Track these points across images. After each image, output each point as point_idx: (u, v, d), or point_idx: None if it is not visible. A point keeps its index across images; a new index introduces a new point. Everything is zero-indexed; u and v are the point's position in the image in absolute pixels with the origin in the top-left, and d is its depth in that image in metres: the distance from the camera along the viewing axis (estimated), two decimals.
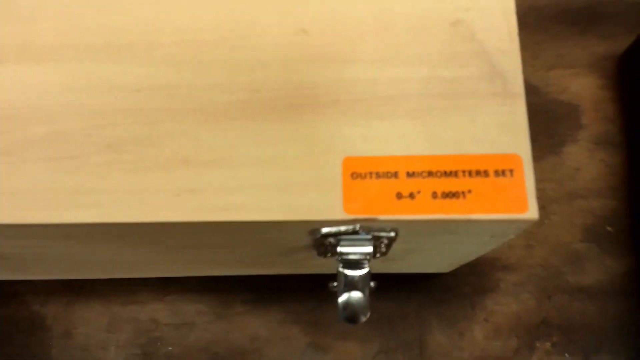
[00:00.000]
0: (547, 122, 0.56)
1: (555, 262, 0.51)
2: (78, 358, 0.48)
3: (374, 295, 0.33)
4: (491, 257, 0.51)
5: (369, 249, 0.31)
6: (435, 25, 0.32)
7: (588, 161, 0.55)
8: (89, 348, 0.49)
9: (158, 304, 0.50)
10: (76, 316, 0.49)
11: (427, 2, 0.32)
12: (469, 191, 0.29)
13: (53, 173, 0.29)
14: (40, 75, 0.31)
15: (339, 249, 0.32)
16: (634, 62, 0.57)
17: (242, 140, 0.30)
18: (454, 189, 0.29)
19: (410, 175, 0.29)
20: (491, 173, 0.29)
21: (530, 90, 0.56)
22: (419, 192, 0.29)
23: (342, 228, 0.30)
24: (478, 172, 0.29)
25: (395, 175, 0.29)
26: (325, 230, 0.30)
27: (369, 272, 0.32)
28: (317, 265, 0.41)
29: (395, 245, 0.33)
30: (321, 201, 0.29)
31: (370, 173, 0.29)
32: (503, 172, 0.29)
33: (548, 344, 0.49)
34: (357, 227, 0.30)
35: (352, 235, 0.31)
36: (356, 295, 0.32)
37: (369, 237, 0.31)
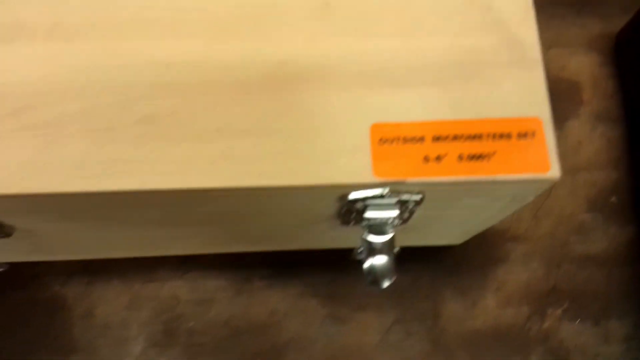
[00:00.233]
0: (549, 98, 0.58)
1: (562, 232, 0.53)
2: (100, 337, 0.49)
3: None
4: (500, 229, 0.53)
5: (395, 212, 0.32)
6: None
7: (590, 135, 0.57)
8: (111, 326, 0.49)
9: (178, 281, 0.50)
10: (97, 296, 0.50)
11: None
12: (494, 153, 0.30)
13: (91, 144, 0.30)
14: (70, 53, 0.32)
15: (365, 214, 0.33)
16: (630, 40, 0.59)
17: (272, 111, 0.31)
18: (478, 152, 0.30)
19: (436, 139, 0.30)
20: (514, 135, 0.30)
21: None
22: (445, 155, 0.30)
23: (371, 193, 0.31)
24: (501, 135, 0.30)
25: (422, 140, 0.30)
26: (353, 195, 0.31)
27: (393, 237, 0.34)
28: (337, 238, 0.42)
29: (417, 212, 0.35)
30: (352, 166, 0.30)
31: (398, 138, 0.30)
32: (525, 135, 0.30)
33: (559, 311, 0.50)
34: (385, 190, 0.31)
35: (379, 200, 0.32)
36: (382, 259, 0.33)
37: (396, 200, 0.32)
